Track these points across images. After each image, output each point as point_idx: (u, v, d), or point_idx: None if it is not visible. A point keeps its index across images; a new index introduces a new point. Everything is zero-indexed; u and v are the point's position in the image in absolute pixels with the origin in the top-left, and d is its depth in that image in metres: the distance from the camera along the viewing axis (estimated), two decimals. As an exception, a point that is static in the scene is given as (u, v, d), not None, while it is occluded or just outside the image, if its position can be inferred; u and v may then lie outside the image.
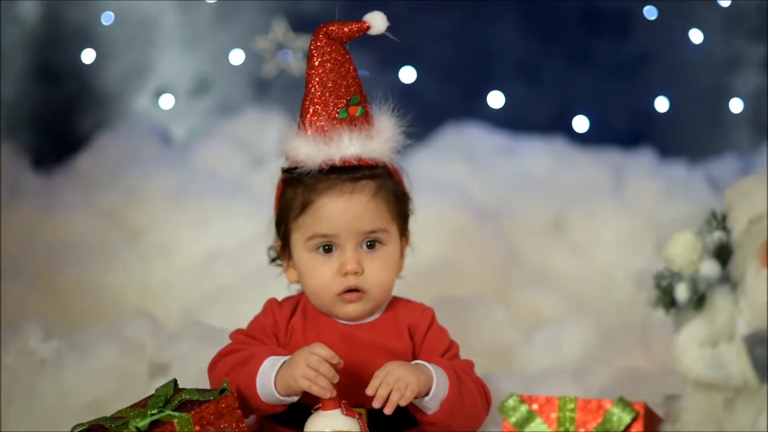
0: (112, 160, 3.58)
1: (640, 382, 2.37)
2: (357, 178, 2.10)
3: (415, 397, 1.99)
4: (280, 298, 2.19)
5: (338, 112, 2.10)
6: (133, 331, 2.58)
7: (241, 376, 2.02)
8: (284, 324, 2.14)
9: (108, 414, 2.04)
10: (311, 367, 1.94)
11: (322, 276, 2.11)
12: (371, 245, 2.11)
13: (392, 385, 1.96)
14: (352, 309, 2.12)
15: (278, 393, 1.99)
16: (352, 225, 2.09)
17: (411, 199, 2.22)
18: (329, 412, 1.95)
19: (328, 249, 2.11)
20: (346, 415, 1.96)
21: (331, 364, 1.95)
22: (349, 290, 2.10)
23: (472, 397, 2.07)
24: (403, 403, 1.97)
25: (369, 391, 1.97)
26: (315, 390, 1.94)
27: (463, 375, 2.07)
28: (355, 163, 2.09)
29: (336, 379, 1.95)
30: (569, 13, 3.80)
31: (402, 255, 2.21)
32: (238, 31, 3.80)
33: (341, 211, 2.09)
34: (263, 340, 2.11)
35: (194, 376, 2.17)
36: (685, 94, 3.81)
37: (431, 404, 2.02)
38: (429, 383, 2.01)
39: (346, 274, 2.09)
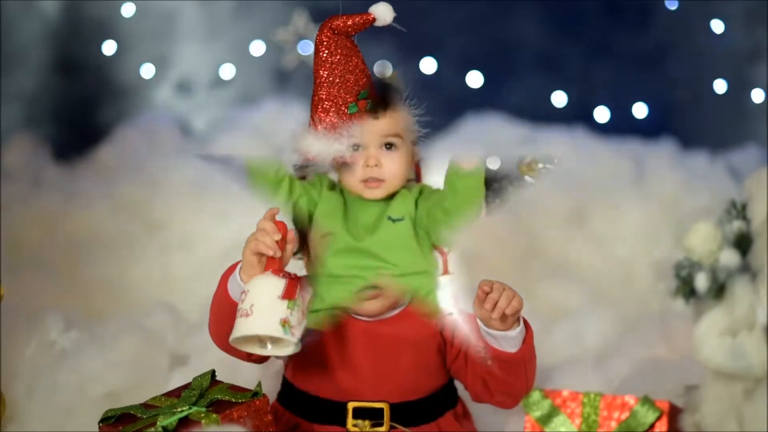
0: (133, 152, 3.59)
1: (660, 372, 2.37)
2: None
3: (503, 330, 2.07)
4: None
5: (348, 107, 2.11)
6: (153, 323, 2.59)
7: (216, 303, 2.11)
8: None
9: (129, 404, 2.06)
10: (256, 234, 2.04)
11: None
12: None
13: (501, 292, 2.05)
14: (370, 301, 2.13)
15: (242, 281, 2.05)
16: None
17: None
18: (266, 273, 2.02)
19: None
20: (273, 274, 2.01)
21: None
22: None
23: (535, 353, 2.17)
24: (508, 312, 2.05)
25: (485, 287, 2.05)
26: (261, 247, 2.02)
27: None
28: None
29: (278, 237, 2.03)
30: (590, 3, 3.78)
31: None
32: (258, 23, 3.80)
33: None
34: None
35: (214, 368, 2.17)
36: (706, 84, 3.79)
37: (517, 339, 2.10)
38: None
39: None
